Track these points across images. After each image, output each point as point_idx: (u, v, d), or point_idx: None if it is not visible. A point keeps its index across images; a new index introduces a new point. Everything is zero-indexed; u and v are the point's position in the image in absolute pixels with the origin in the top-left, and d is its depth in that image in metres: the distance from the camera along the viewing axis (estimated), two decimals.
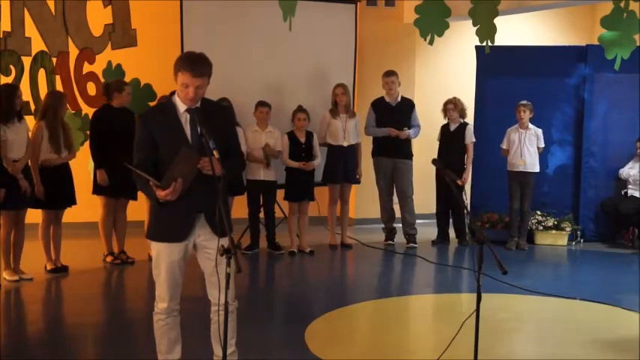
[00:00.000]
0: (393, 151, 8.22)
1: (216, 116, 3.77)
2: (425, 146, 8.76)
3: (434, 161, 4.21)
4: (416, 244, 8.29)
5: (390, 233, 8.47)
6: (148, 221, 3.84)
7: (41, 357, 4.61)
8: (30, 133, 6.42)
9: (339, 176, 8.04)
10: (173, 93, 3.77)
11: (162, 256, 3.77)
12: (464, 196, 3.96)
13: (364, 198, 8.90)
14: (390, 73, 8.24)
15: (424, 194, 9.03)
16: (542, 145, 8.33)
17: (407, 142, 8.29)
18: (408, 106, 8.28)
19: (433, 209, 8.70)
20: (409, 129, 8.20)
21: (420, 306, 6.30)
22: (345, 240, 8.24)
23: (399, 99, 8.28)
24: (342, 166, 8.02)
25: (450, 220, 8.64)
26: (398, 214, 8.47)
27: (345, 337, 5.25)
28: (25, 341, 5.01)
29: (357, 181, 8.26)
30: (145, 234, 3.86)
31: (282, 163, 7.80)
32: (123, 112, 6.97)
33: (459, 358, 4.18)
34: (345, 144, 7.98)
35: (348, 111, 8.02)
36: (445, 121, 8.54)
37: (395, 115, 8.21)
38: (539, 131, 8.32)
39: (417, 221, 8.52)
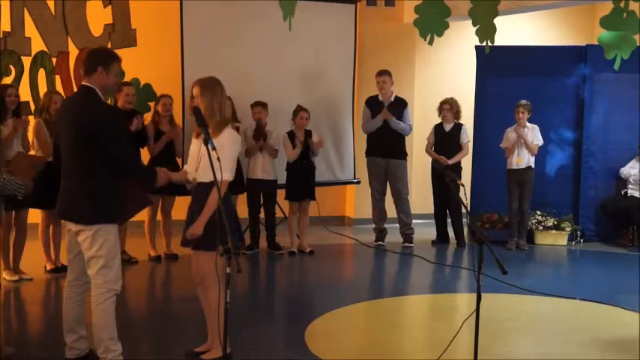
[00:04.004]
0: (387, 151, 8.20)
1: None
2: (424, 146, 8.76)
3: (435, 163, 4.22)
4: (412, 243, 8.28)
5: (380, 234, 8.44)
6: (98, 205, 4.00)
7: (41, 357, 4.61)
8: (29, 134, 6.43)
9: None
10: (89, 88, 4.07)
11: (117, 238, 4.09)
12: (464, 197, 3.95)
13: (364, 198, 8.89)
14: (381, 73, 8.23)
15: (423, 194, 9.03)
16: (539, 141, 8.31)
17: (400, 141, 8.27)
18: (400, 105, 8.26)
19: (432, 209, 8.69)
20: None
21: (420, 306, 6.30)
22: None
23: (393, 98, 8.27)
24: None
25: (449, 221, 8.64)
26: (389, 214, 8.47)
27: (345, 337, 5.25)
28: (25, 341, 5.00)
29: (208, 248, 4.37)
30: (102, 219, 4.00)
31: (288, 158, 7.78)
32: (126, 113, 6.97)
33: (459, 358, 4.18)
34: (192, 178, 4.53)
35: (218, 128, 4.35)
36: (438, 121, 8.54)
37: None
38: (536, 127, 8.31)
39: (417, 221, 8.50)
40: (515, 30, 9.91)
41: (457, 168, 8.27)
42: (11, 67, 7.45)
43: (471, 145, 8.63)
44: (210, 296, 4.33)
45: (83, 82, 4.14)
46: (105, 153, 3.96)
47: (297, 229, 7.96)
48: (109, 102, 7.25)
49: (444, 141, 8.41)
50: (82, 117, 3.98)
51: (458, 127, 8.43)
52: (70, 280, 4.25)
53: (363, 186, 8.74)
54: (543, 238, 8.64)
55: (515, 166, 8.31)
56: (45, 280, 6.53)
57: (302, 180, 7.80)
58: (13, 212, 6.28)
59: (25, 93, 6.95)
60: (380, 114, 8.09)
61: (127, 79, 7.55)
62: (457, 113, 8.46)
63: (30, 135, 6.49)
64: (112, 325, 4.09)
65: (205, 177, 4.27)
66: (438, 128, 8.52)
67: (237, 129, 7.53)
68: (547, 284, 6.64)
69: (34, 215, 6.61)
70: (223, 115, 4.42)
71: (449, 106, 8.40)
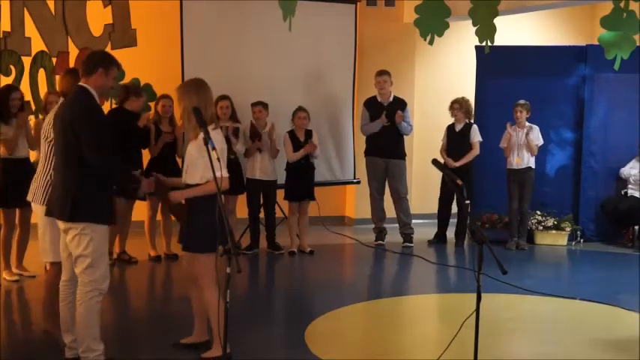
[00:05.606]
0: (386, 151, 8.20)
1: None
2: (425, 146, 8.75)
3: (434, 161, 4.21)
4: (412, 243, 8.27)
5: (380, 233, 8.44)
6: (81, 203, 4.00)
7: (42, 356, 4.61)
8: (32, 132, 6.44)
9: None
10: (84, 89, 4.08)
11: (105, 239, 4.10)
12: (464, 196, 3.96)
13: (364, 198, 8.89)
14: (381, 73, 8.22)
15: (423, 194, 9.00)
16: (539, 141, 8.31)
17: (400, 141, 8.26)
18: (399, 105, 8.24)
19: (432, 209, 8.68)
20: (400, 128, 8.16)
21: (420, 306, 6.29)
22: None
23: (392, 98, 8.26)
24: None
25: (451, 221, 8.61)
26: (389, 214, 8.46)
27: (345, 337, 5.25)
28: (25, 341, 5.00)
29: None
30: (85, 217, 4.00)
31: (288, 159, 7.78)
32: (135, 116, 7.00)
33: (459, 358, 4.18)
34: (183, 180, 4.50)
35: (196, 130, 4.30)
36: (451, 122, 8.50)
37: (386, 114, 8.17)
38: (536, 128, 8.31)
39: (417, 221, 8.48)
40: (515, 30, 9.91)
41: (469, 168, 8.26)
42: (11, 67, 7.46)
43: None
44: (206, 297, 4.36)
45: (80, 83, 4.16)
46: (83, 153, 3.97)
47: (297, 229, 7.96)
48: (107, 103, 7.28)
49: (455, 141, 8.38)
50: (69, 116, 4.03)
51: (468, 127, 8.40)
52: (65, 280, 4.26)
53: (363, 186, 8.73)
54: (543, 238, 8.64)
55: (515, 166, 8.31)
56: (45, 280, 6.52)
57: (301, 180, 7.80)
58: (18, 211, 6.30)
59: (25, 93, 6.95)
60: (379, 119, 8.09)
61: (127, 79, 7.57)
62: (468, 113, 8.41)
63: (33, 132, 6.49)
64: (96, 324, 4.09)
65: (192, 179, 4.35)
66: (450, 129, 8.51)
67: (237, 129, 7.55)
68: (547, 284, 6.64)
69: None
70: (205, 116, 4.22)
71: (459, 105, 8.37)
